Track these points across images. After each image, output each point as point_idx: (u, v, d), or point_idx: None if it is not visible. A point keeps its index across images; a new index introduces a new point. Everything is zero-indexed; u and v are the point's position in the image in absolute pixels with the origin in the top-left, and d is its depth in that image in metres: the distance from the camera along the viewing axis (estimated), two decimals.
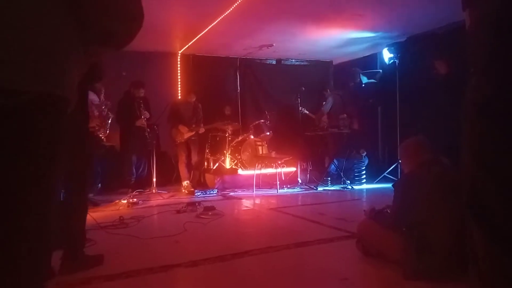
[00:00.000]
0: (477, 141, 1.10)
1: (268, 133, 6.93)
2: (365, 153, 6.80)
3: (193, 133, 6.34)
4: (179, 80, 7.82)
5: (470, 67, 1.13)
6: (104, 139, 5.21)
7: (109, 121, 5.32)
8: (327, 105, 7.19)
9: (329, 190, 6.44)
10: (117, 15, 0.89)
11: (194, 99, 6.49)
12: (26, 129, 0.74)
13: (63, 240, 2.49)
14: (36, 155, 0.75)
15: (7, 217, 0.71)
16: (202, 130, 6.46)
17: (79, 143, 2.53)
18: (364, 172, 6.78)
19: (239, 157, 6.85)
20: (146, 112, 6.00)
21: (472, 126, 1.10)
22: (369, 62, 7.90)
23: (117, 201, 5.18)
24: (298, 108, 6.86)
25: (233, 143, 6.90)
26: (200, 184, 6.72)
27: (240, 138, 6.96)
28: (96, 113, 4.90)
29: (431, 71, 4.12)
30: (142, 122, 5.92)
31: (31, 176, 0.74)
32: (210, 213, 4.29)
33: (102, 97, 4.45)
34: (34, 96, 0.74)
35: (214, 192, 6.13)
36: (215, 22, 5.86)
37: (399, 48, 6.70)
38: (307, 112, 7.35)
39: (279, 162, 6.48)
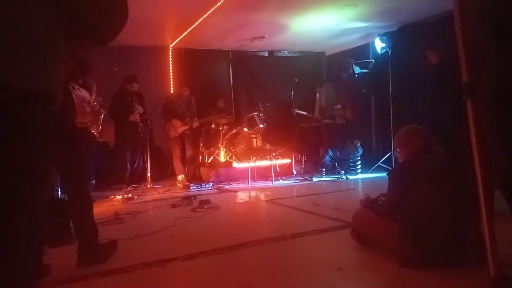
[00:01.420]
0: (506, 129, 1.09)
1: (262, 126, 6.92)
2: (359, 143, 6.82)
3: (187, 127, 6.32)
4: (171, 74, 7.77)
5: (481, 56, 1.12)
6: (97, 135, 5.18)
7: (102, 117, 5.29)
8: (321, 99, 7.20)
9: (324, 180, 6.47)
10: (101, 8, 0.88)
11: (187, 93, 6.47)
12: (13, 125, 0.74)
13: (77, 235, 2.58)
14: (23, 151, 0.75)
15: None
16: (196, 124, 6.44)
17: (68, 136, 2.56)
18: (359, 162, 6.81)
19: (234, 150, 6.85)
20: (139, 107, 5.96)
21: (497, 114, 1.09)
22: (361, 52, 7.90)
23: (112, 196, 5.16)
24: (292, 100, 6.83)
25: (227, 136, 6.89)
26: (195, 178, 6.71)
27: (234, 131, 6.95)
28: (88, 109, 4.87)
29: (423, 61, 4.14)
30: (135, 117, 5.88)
31: (19, 172, 0.74)
32: (205, 207, 4.30)
33: (93, 93, 4.42)
34: (20, 93, 0.74)
35: (209, 185, 6.14)
36: (206, 15, 5.81)
37: (391, 37, 6.71)
38: (302, 112, 7.31)
39: (274, 154, 6.48)
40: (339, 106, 7.02)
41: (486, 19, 1.21)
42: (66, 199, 3.56)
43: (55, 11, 0.83)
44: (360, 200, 2.83)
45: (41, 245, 0.80)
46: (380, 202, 2.60)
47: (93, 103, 5.06)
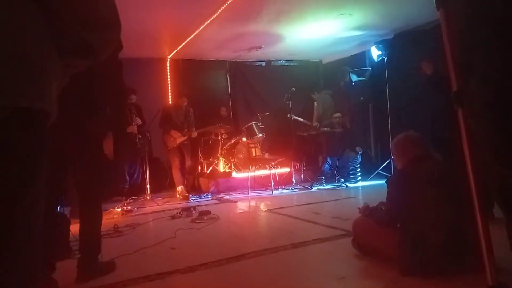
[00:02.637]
0: (495, 138, 1.09)
1: (260, 135, 6.93)
2: (361, 150, 6.83)
3: (186, 137, 6.32)
4: (169, 85, 7.80)
5: (468, 65, 1.14)
6: None
7: None
8: (319, 107, 7.22)
9: (323, 189, 6.46)
10: (93, 24, 0.88)
11: (185, 103, 6.47)
12: (5, 145, 0.73)
13: (81, 247, 2.56)
14: (16, 171, 0.74)
15: None
16: (194, 134, 6.44)
17: (90, 152, 2.59)
18: (359, 169, 6.81)
19: (233, 160, 6.85)
20: (137, 118, 5.98)
21: (485, 122, 1.10)
22: (358, 60, 7.95)
23: (111, 209, 5.14)
24: (289, 108, 6.86)
25: (226, 146, 6.90)
26: (194, 188, 6.70)
27: (232, 140, 6.96)
28: None
29: (418, 71, 4.19)
30: (133, 128, 5.89)
31: (13, 192, 0.73)
32: (205, 218, 4.29)
33: None
34: (12, 111, 0.73)
35: (209, 196, 6.12)
36: (202, 26, 5.85)
37: (387, 45, 6.76)
38: (299, 118, 7.34)
39: (273, 163, 6.48)
40: (338, 114, 7.04)
41: (474, 25, 1.22)
42: (66, 213, 3.55)
43: (47, 27, 0.83)
44: (359, 208, 2.83)
45: (38, 266, 0.79)
46: (379, 210, 2.60)
47: None
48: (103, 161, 2.74)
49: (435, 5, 1.48)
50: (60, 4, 0.84)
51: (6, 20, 0.75)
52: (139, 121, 6.00)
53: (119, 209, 5.06)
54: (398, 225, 2.44)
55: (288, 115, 6.91)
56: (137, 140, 5.88)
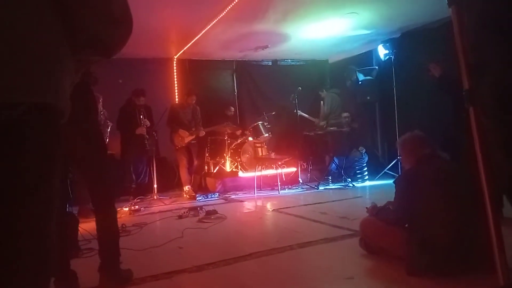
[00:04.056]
0: (507, 136, 1.08)
1: (267, 135, 6.93)
2: (364, 150, 6.80)
3: (194, 136, 6.33)
4: (176, 85, 7.82)
5: (482, 63, 1.12)
6: None
7: (109, 130, 5.32)
8: (326, 106, 7.20)
9: (330, 188, 6.44)
10: (106, 21, 0.88)
11: (194, 101, 6.44)
12: (21, 142, 0.73)
13: (102, 252, 2.46)
14: (33, 169, 0.74)
15: (3, 233, 0.70)
16: (202, 133, 6.44)
17: (98, 150, 2.54)
18: (366, 169, 6.77)
19: (239, 159, 6.85)
20: (146, 120, 6.00)
21: (500, 122, 1.08)
22: (364, 59, 7.91)
23: (118, 208, 5.13)
24: (296, 108, 6.85)
25: (233, 145, 6.90)
26: (201, 188, 6.72)
27: (239, 140, 6.96)
28: None
29: (426, 74, 4.16)
30: (142, 130, 5.92)
31: (30, 189, 0.73)
32: (212, 217, 4.30)
33: (100, 106, 4.44)
34: (27, 108, 0.73)
35: (216, 195, 6.13)
36: (209, 26, 5.86)
37: (394, 44, 6.73)
38: (305, 114, 7.32)
39: (279, 163, 6.48)
40: (347, 114, 7.00)
41: (487, 23, 1.21)
42: (74, 212, 3.57)
43: (61, 22, 0.83)
44: (366, 208, 2.82)
45: (50, 262, 0.79)
46: (387, 210, 2.59)
47: (100, 116, 5.10)
48: (109, 159, 2.73)
49: (446, 2, 1.46)
50: (74, 0, 0.84)
51: (20, 16, 0.75)
52: (148, 123, 6.02)
53: (127, 209, 5.09)
54: (406, 225, 2.43)
55: (295, 111, 6.89)
56: (145, 142, 5.90)
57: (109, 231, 2.49)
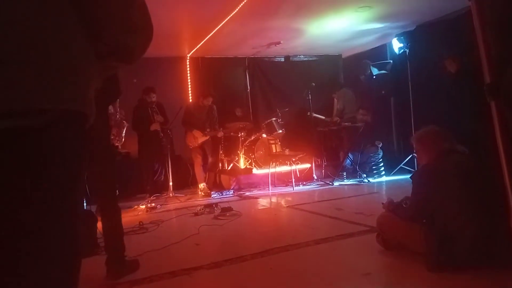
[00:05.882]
0: None
1: (280, 131, 6.92)
2: (381, 144, 6.71)
3: (207, 137, 6.33)
4: (189, 83, 7.87)
5: (505, 55, 1.10)
6: (119, 146, 5.28)
7: (124, 130, 5.38)
8: (339, 103, 7.15)
9: (345, 184, 6.40)
10: (129, 26, 0.90)
11: (210, 103, 6.43)
12: (50, 149, 0.74)
13: (107, 245, 2.64)
14: (62, 175, 0.75)
15: (35, 237, 0.71)
16: (221, 134, 6.45)
17: (104, 151, 2.66)
18: (382, 164, 6.71)
19: (253, 156, 6.86)
20: (159, 115, 6.05)
21: None
22: (379, 53, 7.82)
23: (135, 206, 5.25)
24: (310, 104, 6.81)
25: (246, 142, 6.92)
26: (216, 185, 6.75)
27: (253, 137, 6.97)
28: (112, 123, 4.95)
29: (443, 71, 4.07)
30: (156, 126, 5.97)
31: (57, 198, 0.75)
32: (227, 214, 4.32)
33: (116, 106, 4.50)
34: (55, 115, 0.74)
35: (230, 192, 6.17)
36: (221, 24, 5.87)
37: (408, 37, 6.61)
38: (319, 115, 7.25)
39: (293, 159, 6.46)
40: (363, 111, 6.93)
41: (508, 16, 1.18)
42: (93, 210, 3.65)
43: (85, 29, 0.84)
44: (383, 203, 2.79)
45: (81, 263, 0.81)
46: (404, 206, 2.56)
47: (117, 117, 5.16)
48: (114, 155, 2.82)
49: None
50: (96, 8, 0.85)
51: (48, 24, 0.76)
52: (161, 118, 6.06)
53: (143, 206, 5.16)
54: (424, 221, 2.40)
55: (308, 113, 6.86)
56: (161, 137, 5.95)
57: (113, 229, 2.64)
